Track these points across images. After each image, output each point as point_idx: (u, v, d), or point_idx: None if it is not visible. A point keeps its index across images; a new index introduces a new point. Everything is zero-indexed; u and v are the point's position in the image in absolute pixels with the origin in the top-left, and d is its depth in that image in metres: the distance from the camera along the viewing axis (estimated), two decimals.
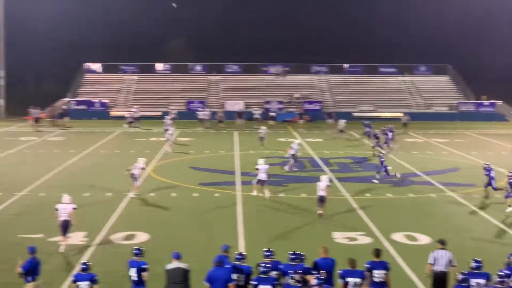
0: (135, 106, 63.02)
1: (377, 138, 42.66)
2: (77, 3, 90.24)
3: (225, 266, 14.80)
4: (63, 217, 20.69)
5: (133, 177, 28.79)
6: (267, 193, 28.92)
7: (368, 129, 48.12)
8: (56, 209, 20.96)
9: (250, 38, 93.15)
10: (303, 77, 76.59)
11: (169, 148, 43.11)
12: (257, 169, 29.04)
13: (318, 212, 25.65)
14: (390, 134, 44.40)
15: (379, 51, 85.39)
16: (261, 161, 29.50)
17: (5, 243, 21.76)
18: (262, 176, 28.72)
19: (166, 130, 45.48)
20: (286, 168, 35.94)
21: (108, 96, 71.74)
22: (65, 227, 20.73)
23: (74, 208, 20.91)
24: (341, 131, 53.16)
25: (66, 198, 21.21)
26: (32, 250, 16.02)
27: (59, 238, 21.14)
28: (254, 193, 29.18)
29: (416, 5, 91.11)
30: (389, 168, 33.63)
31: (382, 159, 33.84)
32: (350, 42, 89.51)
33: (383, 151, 37.51)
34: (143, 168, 29.88)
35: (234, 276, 14.59)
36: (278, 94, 72.50)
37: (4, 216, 25.48)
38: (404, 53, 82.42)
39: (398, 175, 33.70)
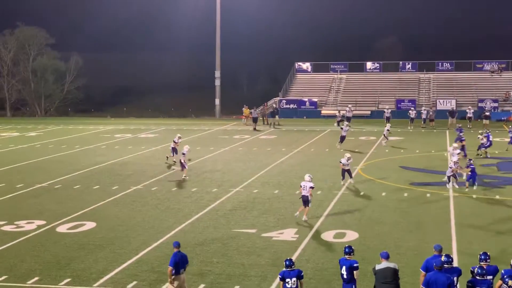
0: (349, 106, 63.28)
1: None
2: (289, 4, 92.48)
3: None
4: (303, 192, 24.55)
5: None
6: (455, 186, 30.25)
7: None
8: (300, 186, 24.79)
9: (463, 35, 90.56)
10: None
11: (384, 142, 45.76)
12: None
13: None
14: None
15: None
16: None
17: (222, 236, 22.64)
18: (448, 171, 30.76)
19: (343, 137, 45.28)
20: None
21: (317, 95, 72.68)
22: (305, 201, 24.54)
23: (311, 187, 24.58)
24: None
25: (307, 177, 24.98)
26: (176, 245, 16.27)
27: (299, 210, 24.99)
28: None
29: None
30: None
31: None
32: None
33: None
34: (344, 164, 31.48)
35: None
36: (493, 92, 69.60)
37: (220, 211, 26.54)
38: None
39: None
